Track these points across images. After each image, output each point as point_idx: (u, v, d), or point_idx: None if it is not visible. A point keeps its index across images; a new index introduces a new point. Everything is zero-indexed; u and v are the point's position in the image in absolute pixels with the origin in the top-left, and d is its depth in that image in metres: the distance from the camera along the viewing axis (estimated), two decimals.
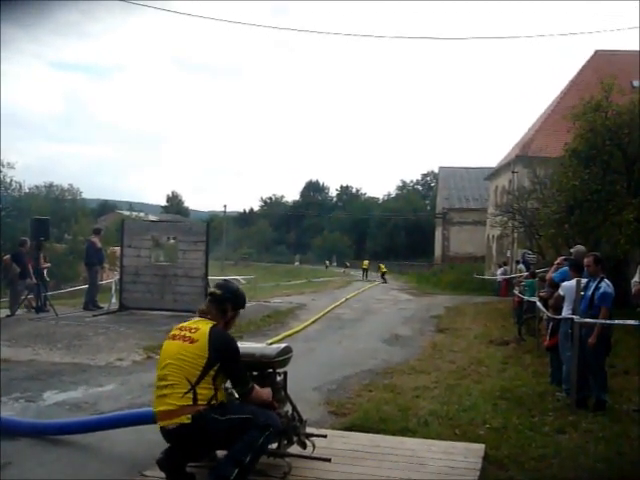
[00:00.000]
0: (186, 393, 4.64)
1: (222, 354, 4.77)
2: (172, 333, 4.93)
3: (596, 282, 8.39)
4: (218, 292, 5.05)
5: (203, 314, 5.02)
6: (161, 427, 4.78)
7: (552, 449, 6.45)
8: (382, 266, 51.07)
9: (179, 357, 4.72)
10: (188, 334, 4.83)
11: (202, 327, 4.86)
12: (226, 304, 5.01)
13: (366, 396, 8.79)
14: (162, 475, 4.93)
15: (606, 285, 8.33)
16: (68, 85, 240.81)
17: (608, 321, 8.24)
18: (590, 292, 8.36)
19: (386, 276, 48.46)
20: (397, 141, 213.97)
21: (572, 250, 10.36)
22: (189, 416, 4.63)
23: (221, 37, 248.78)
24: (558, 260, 10.91)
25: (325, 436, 5.95)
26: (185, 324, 4.97)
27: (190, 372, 4.68)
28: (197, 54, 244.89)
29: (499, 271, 32.41)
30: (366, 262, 54.01)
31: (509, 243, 33.58)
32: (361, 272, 53.96)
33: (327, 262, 74.56)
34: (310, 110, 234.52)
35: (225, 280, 5.42)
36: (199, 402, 4.65)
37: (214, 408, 4.69)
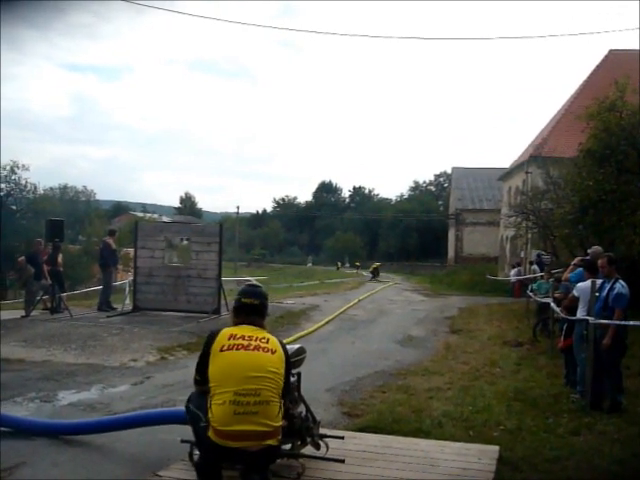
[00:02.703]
0: (279, 412, 4.29)
1: (290, 366, 4.62)
2: (237, 342, 4.39)
3: (611, 283, 8.34)
4: (256, 302, 4.65)
5: (250, 324, 4.56)
6: (236, 448, 4.19)
7: (567, 451, 6.41)
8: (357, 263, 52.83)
9: (271, 370, 4.31)
10: (263, 344, 4.40)
11: (269, 337, 4.50)
12: (266, 311, 4.75)
13: (379, 397, 8.78)
14: (175, 476, 4.94)
15: (621, 286, 8.27)
16: (80, 86, 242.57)
17: (623, 322, 8.19)
18: (605, 293, 8.31)
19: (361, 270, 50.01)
20: (410, 142, 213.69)
21: (589, 251, 10.28)
22: (279, 438, 4.31)
23: (232, 38, 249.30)
24: (575, 261, 10.86)
25: (342, 437, 5.94)
26: (243, 333, 4.47)
27: (280, 386, 4.34)
28: (208, 55, 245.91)
29: (512, 272, 32.27)
30: (377, 264, 53.69)
31: (523, 244, 33.43)
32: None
33: (339, 263, 74.48)
34: (323, 111, 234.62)
35: (250, 285, 4.91)
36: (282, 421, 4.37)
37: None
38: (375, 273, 48.36)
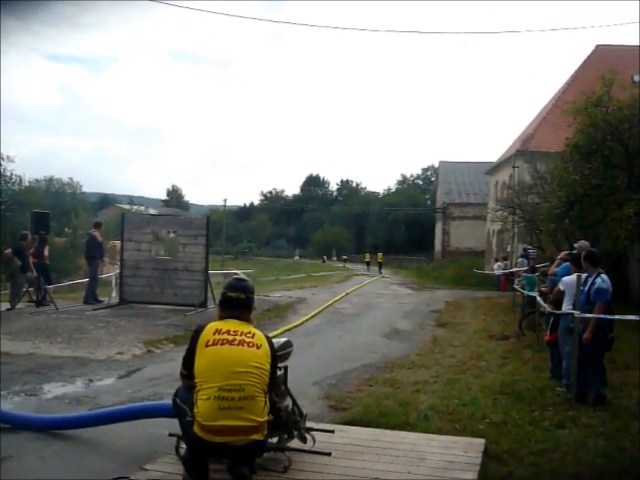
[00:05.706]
0: (264, 407, 4.33)
1: (276, 360, 4.63)
2: (222, 337, 4.40)
3: (592, 278, 8.38)
4: (243, 296, 4.63)
5: (235, 318, 4.55)
6: (222, 443, 4.23)
7: (552, 444, 6.46)
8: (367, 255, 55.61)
9: (255, 365, 4.32)
10: (248, 339, 4.41)
11: (255, 331, 4.51)
12: (252, 305, 4.73)
13: (366, 390, 8.80)
14: (162, 469, 4.93)
15: (601, 281, 8.31)
16: (64, 77, 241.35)
17: (608, 316, 8.24)
18: (587, 288, 8.36)
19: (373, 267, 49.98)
20: (398, 135, 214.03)
21: (576, 245, 10.33)
22: (265, 432, 4.35)
23: (219, 30, 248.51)
24: (561, 255, 10.90)
25: (332, 431, 5.96)
26: (228, 327, 4.47)
27: (265, 381, 4.36)
28: (195, 47, 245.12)
29: (495, 266, 32.52)
30: (380, 255, 54.21)
31: (509, 238, 33.56)
32: (364, 265, 55.34)
33: (324, 257, 74.73)
34: (311, 105, 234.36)
35: (236, 279, 4.85)
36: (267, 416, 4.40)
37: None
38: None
